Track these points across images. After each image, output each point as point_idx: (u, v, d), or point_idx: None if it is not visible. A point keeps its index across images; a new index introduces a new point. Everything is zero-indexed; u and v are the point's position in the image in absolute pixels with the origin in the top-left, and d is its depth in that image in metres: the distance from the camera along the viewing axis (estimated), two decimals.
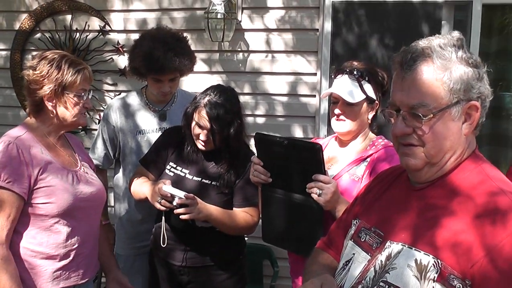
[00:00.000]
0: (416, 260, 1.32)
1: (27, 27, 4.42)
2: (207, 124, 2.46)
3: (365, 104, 2.28)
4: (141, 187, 2.63)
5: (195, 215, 2.39)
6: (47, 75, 2.20)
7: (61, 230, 2.23)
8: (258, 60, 4.08)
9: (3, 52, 4.53)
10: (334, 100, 2.31)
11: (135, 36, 4.03)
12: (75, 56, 4.02)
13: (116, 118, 3.05)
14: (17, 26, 4.45)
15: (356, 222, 1.62)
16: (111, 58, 4.32)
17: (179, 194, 2.37)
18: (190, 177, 2.59)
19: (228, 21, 3.87)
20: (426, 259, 1.30)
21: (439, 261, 1.28)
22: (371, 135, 2.37)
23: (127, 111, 3.07)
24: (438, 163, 1.40)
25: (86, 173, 2.41)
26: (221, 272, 2.64)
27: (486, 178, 1.36)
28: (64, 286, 2.26)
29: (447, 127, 1.36)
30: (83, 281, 2.34)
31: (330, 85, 2.31)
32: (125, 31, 4.29)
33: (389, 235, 1.44)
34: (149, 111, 3.07)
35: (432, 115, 1.34)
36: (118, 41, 4.29)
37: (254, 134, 2.26)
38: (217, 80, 4.08)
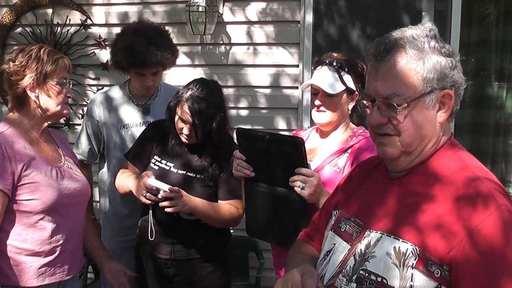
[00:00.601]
0: (395, 248, 1.33)
1: (8, 21, 4.40)
2: (189, 118, 2.47)
3: (345, 95, 2.29)
4: (126, 181, 2.64)
5: (180, 208, 2.40)
6: (27, 65, 2.21)
7: (45, 227, 2.22)
8: (240, 52, 4.09)
9: None
10: (314, 92, 2.32)
11: (117, 29, 4.01)
12: (57, 49, 4.02)
13: (100, 112, 3.05)
14: None
15: (336, 212, 1.63)
16: (93, 52, 4.31)
17: (164, 187, 2.37)
18: (175, 170, 2.60)
19: (209, 14, 3.88)
20: (405, 246, 1.32)
21: (417, 248, 1.30)
22: (352, 125, 2.38)
23: (111, 105, 3.06)
24: (414, 152, 1.42)
25: (70, 168, 2.40)
26: (207, 265, 2.66)
27: (463, 165, 1.39)
28: (49, 282, 2.26)
29: (421, 115, 1.38)
30: (68, 277, 2.34)
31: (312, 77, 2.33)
32: (107, 25, 4.27)
33: (368, 224, 1.46)
34: (133, 105, 3.07)
35: (406, 104, 1.36)
36: (99, 35, 4.28)
37: (236, 128, 2.27)
38: (199, 73, 4.08)
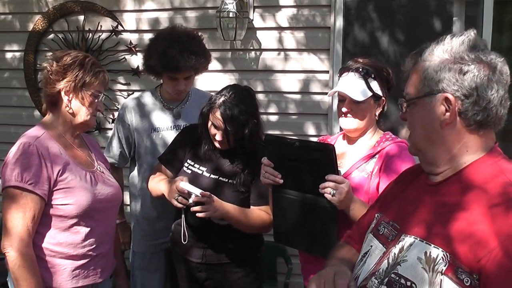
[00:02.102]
0: (426, 253, 1.33)
1: (40, 28, 4.46)
2: (221, 124, 2.47)
3: (372, 101, 2.29)
4: (159, 185, 2.65)
5: (211, 214, 2.40)
6: (69, 69, 2.24)
7: (79, 231, 2.26)
8: (270, 58, 4.09)
9: (17, 53, 4.57)
10: (341, 98, 2.32)
11: (148, 35, 4.07)
12: None
13: (131, 117, 3.07)
14: (30, 27, 4.49)
15: (378, 216, 1.65)
16: (124, 58, 4.35)
17: (195, 191, 2.37)
18: (207, 174, 2.61)
19: (240, 19, 3.89)
20: (436, 252, 1.31)
21: (448, 254, 1.29)
22: (379, 131, 2.38)
23: (142, 110, 3.09)
24: (422, 151, 1.47)
25: (103, 172, 2.43)
26: (239, 270, 2.65)
27: (500, 172, 1.36)
28: (83, 284, 2.29)
29: (421, 115, 1.42)
30: (101, 280, 2.37)
31: None
32: (138, 31, 4.31)
33: (404, 228, 1.46)
34: (164, 110, 3.09)
35: (409, 102, 1.44)
36: (130, 41, 4.31)
37: (265, 135, 2.27)
38: (229, 78, 4.09)
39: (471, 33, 1.41)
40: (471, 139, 1.40)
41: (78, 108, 2.29)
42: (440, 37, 1.43)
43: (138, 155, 3.11)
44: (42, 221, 2.19)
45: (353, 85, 2.27)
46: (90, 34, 4.39)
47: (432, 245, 1.33)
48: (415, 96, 1.43)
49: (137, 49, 4.29)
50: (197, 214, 2.39)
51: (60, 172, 2.20)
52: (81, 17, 4.40)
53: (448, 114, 1.38)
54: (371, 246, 1.57)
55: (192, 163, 2.65)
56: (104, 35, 4.36)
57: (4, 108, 4.62)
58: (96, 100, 2.31)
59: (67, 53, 2.30)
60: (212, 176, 2.60)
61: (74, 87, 2.25)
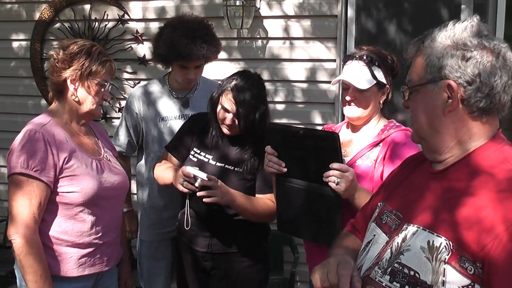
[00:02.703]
0: (428, 242, 1.32)
1: (47, 17, 4.46)
2: (233, 107, 2.46)
3: (375, 89, 2.28)
4: (165, 172, 2.65)
5: (218, 199, 2.38)
6: (75, 57, 2.23)
7: (85, 219, 2.25)
8: (277, 47, 4.08)
9: (23, 42, 4.57)
10: (345, 87, 2.32)
11: (154, 24, 4.07)
12: None
13: (139, 106, 3.06)
14: (36, 16, 4.50)
15: (381, 205, 1.64)
16: (130, 46, 4.35)
17: (202, 175, 2.35)
18: (213, 162, 2.59)
19: (246, 8, 3.88)
20: (439, 240, 1.31)
21: (451, 242, 1.28)
22: (383, 119, 2.37)
23: (149, 99, 3.08)
24: (425, 139, 1.46)
25: (109, 160, 2.43)
26: (245, 259, 2.65)
27: (504, 158, 1.35)
28: (89, 273, 2.29)
29: (424, 102, 1.41)
30: (107, 268, 2.37)
31: None
32: (144, 19, 4.30)
33: (407, 217, 1.45)
34: (172, 98, 3.08)
35: (411, 89, 1.43)
36: (137, 30, 4.31)
37: (268, 124, 2.26)
38: (236, 67, 4.08)
39: (474, 19, 1.39)
40: (474, 126, 1.39)
41: (84, 97, 2.28)
42: (443, 23, 1.41)
43: (145, 144, 3.11)
44: (49, 208, 2.19)
45: (357, 73, 2.26)
46: (97, 23, 4.39)
47: (435, 234, 1.32)
48: (418, 83, 1.42)
49: (143, 38, 4.29)
50: (203, 200, 2.38)
51: (66, 159, 2.20)
52: (88, 6, 4.40)
53: (450, 101, 1.36)
54: (374, 235, 1.57)
55: (198, 151, 2.64)
56: (110, 24, 4.36)
57: (11, 97, 4.63)
58: (102, 89, 2.30)
59: (74, 42, 2.29)
60: (218, 164, 2.59)
61: (81, 75, 2.23)
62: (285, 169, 2.22)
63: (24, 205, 2.12)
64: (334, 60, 4.00)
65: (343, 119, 3.90)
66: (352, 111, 2.30)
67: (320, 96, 4.04)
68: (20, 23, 4.57)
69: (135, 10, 4.31)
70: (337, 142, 2.04)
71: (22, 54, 4.58)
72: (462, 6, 3.97)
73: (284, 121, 4.05)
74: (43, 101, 4.47)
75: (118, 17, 4.33)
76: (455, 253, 1.27)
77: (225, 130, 2.55)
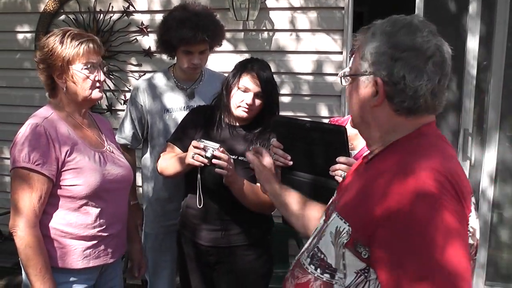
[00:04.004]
0: (337, 227, 1.39)
1: (51, 9, 4.45)
2: (257, 82, 2.47)
3: None
4: (170, 161, 2.62)
5: (230, 172, 2.36)
6: (51, 52, 2.18)
7: (89, 211, 2.24)
8: (283, 39, 4.06)
9: (28, 34, 4.57)
10: None
11: (159, 16, 4.03)
12: (99, 36, 4.05)
13: (144, 98, 3.06)
14: (41, 8, 4.49)
15: (334, 196, 1.70)
16: (135, 39, 4.34)
17: (214, 145, 2.33)
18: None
19: (252, 0, 3.85)
20: (343, 226, 1.37)
21: (350, 228, 1.35)
22: None
23: (154, 91, 3.07)
24: (359, 128, 1.52)
25: (113, 152, 2.41)
26: (249, 253, 2.64)
27: (409, 150, 1.37)
28: (94, 265, 2.29)
29: (356, 93, 1.45)
30: (112, 260, 2.37)
31: None
32: (149, 11, 4.29)
33: (336, 205, 1.52)
34: (177, 90, 3.07)
35: (348, 77, 1.48)
36: (142, 22, 4.30)
37: (273, 117, 2.26)
38: (241, 59, 4.01)
39: (415, 19, 1.40)
40: (398, 121, 1.41)
41: (74, 88, 2.23)
42: (389, 17, 1.43)
43: (150, 136, 3.10)
44: (52, 201, 2.19)
45: None
46: (102, 15, 4.37)
47: (343, 220, 1.39)
48: (353, 73, 1.45)
49: (148, 30, 4.28)
50: (215, 170, 2.35)
51: (68, 152, 2.19)
52: None
53: (376, 98, 1.39)
54: (320, 223, 1.62)
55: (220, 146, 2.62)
56: (115, 16, 4.35)
57: (16, 89, 4.64)
58: (89, 73, 2.23)
59: (48, 37, 2.23)
60: None
61: (61, 68, 2.19)
62: (291, 162, 2.20)
63: (25, 199, 2.12)
64: (340, 53, 3.98)
65: (349, 112, 3.89)
66: None
67: (326, 89, 4.02)
68: (25, 15, 4.56)
69: (140, 2, 4.29)
70: (344, 135, 2.02)
71: (27, 46, 4.57)
72: None
73: (290, 113, 4.03)
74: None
75: (123, 9, 4.31)
76: (352, 238, 1.33)
77: (242, 114, 2.53)
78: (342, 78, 1.51)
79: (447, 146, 1.43)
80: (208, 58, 3.01)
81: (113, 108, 4.46)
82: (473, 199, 1.38)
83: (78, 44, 2.19)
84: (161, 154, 2.75)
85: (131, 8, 4.31)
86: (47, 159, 2.13)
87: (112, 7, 4.34)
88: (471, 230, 1.34)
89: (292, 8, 4.02)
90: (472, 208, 1.35)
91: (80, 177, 2.19)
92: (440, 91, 1.39)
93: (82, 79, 2.22)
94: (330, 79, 4.01)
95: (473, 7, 3.88)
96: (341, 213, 1.41)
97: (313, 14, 3.98)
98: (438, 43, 1.37)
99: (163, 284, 3.21)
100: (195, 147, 2.37)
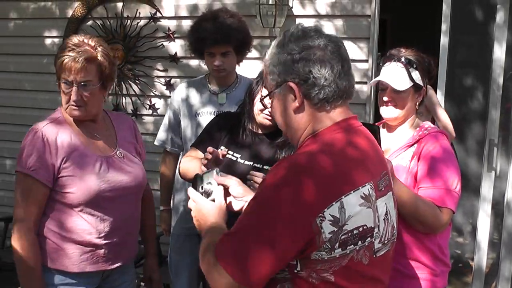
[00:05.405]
0: None
1: (79, 14, 4.52)
2: None
3: (412, 91, 2.31)
4: (189, 163, 2.59)
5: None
6: (56, 55, 2.20)
7: (86, 218, 2.21)
8: None
9: (56, 40, 4.64)
10: (382, 87, 2.35)
11: (186, 22, 4.10)
12: (126, 42, 4.09)
13: (179, 102, 3.12)
14: (69, 13, 4.56)
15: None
16: (162, 44, 4.37)
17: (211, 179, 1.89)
18: (241, 161, 2.54)
19: (279, 7, 3.87)
20: None
21: None
22: (418, 120, 2.40)
23: (189, 95, 3.13)
24: (288, 137, 1.63)
25: (123, 157, 2.35)
26: None
27: (327, 143, 1.49)
28: (91, 270, 2.26)
29: (278, 105, 1.57)
30: (112, 267, 2.32)
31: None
32: (176, 17, 4.33)
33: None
34: (209, 95, 3.10)
35: (268, 96, 1.60)
36: (168, 28, 4.33)
37: None
38: None
39: (299, 26, 1.56)
40: (320, 115, 1.52)
41: (61, 98, 2.22)
42: (279, 34, 1.57)
43: (184, 140, 3.14)
44: (51, 205, 2.19)
45: (395, 75, 2.29)
46: (129, 21, 4.42)
47: None
48: (270, 90, 1.57)
49: (175, 35, 4.31)
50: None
51: (65, 159, 2.16)
52: (120, 4, 4.44)
53: (296, 101, 1.51)
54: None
55: (226, 150, 2.61)
56: (142, 22, 4.40)
57: (43, 93, 4.69)
58: (66, 88, 2.16)
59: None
60: (247, 162, 2.53)
61: (57, 79, 2.20)
62: None
63: (22, 203, 2.15)
64: (366, 61, 3.97)
65: (374, 120, 3.88)
66: (389, 111, 2.33)
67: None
68: (53, 20, 4.63)
69: (167, 7, 4.33)
70: (377, 133, 2.04)
71: (54, 51, 4.56)
72: (498, 6, 3.91)
73: None
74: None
75: (150, 15, 4.36)
76: None
77: (264, 121, 2.51)
78: (262, 102, 1.68)
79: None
80: (235, 62, 3.03)
81: (138, 113, 4.50)
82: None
83: (59, 57, 2.14)
84: (183, 158, 2.76)
85: (158, 14, 4.35)
86: (43, 165, 2.13)
87: (139, 13, 4.39)
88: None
89: (318, 16, 4.03)
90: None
91: (74, 184, 2.17)
92: (347, 74, 1.51)
93: (63, 93, 2.19)
94: (355, 87, 3.96)
95: (500, 16, 3.86)
96: None
97: (339, 22, 3.99)
98: (327, 37, 1.53)
99: (182, 285, 3.22)
100: (210, 153, 2.33)
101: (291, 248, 1.36)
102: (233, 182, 1.80)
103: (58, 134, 2.19)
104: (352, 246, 1.41)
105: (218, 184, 1.74)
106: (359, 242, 1.42)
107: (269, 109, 2.44)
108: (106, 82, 2.25)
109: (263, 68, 1.60)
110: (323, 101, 1.50)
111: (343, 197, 1.39)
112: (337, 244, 1.38)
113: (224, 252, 1.41)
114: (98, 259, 2.25)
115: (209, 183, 1.74)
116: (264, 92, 2.08)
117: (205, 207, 1.68)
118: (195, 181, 1.74)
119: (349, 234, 1.40)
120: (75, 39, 2.18)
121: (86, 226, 2.21)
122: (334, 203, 1.37)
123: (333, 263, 1.39)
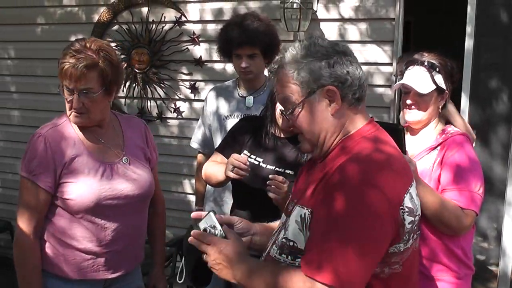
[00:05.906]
0: (300, 215, 1.53)
1: (105, 19, 4.58)
2: None
3: (435, 94, 2.32)
4: (213, 168, 2.62)
5: (282, 195, 2.28)
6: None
7: (87, 226, 2.18)
8: None
9: None
10: (406, 91, 2.37)
11: (211, 26, 4.13)
12: (151, 46, 4.12)
13: (211, 105, 3.17)
14: (95, 18, 4.62)
15: (290, 198, 1.82)
16: (187, 48, 4.41)
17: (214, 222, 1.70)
18: (264, 165, 2.55)
19: (304, 11, 3.88)
20: (304, 211, 1.52)
21: (310, 209, 1.50)
22: (441, 124, 2.41)
23: (219, 98, 3.17)
24: (318, 144, 1.60)
25: (129, 164, 2.29)
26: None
27: (351, 146, 1.54)
28: (91, 278, 2.23)
29: (311, 113, 1.57)
30: (114, 275, 2.27)
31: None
32: (201, 21, 4.36)
33: (297, 201, 1.63)
34: (238, 98, 3.13)
35: (294, 108, 1.58)
36: (193, 32, 4.37)
37: None
38: None
39: (312, 37, 1.62)
40: (355, 116, 1.58)
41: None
42: (291, 45, 1.61)
43: (214, 141, 3.16)
44: (53, 209, 2.18)
45: (418, 78, 2.31)
46: (154, 25, 4.47)
47: (305, 208, 1.52)
48: (301, 100, 1.57)
49: (200, 39, 4.35)
50: (269, 194, 2.31)
51: (67, 165, 2.14)
52: (145, 9, 4.49)
53: (334, 103, 1.54)
54: (282, 222, 1.72)
55: (249, 154, 2.60)
56: (167, 26, 4.44)
57: None
58: (68, 94, 2.12)
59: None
60: (269, 166, 2.54)
61: (60, 85, 2.16)
62: None
63: (22, 207, 2.15)
64: (390, 64, 3.97)
65: (401, 123, 3.88)
66: (412, 114, 2.36)
67: (375, 100, 4.01)
68: (79, 25, 4.69)
69: (192, 11, 4.37)
70: (402, 134, 2.07)
71: None
72: None
73: None
74: None
75: (175, 19, 4.40)
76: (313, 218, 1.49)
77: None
78: (288, 115, 1.62)
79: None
80: (263, 65, 3.04)
81: (163, 116, 4.53)
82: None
83: (63, 63, 2.07)
84: (206, 162, 2.78)
85: (183, 18, 4.39)
86: (44, 171, 2.12)
87: (165, 17, 4.43)
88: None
89: (342, 19, 4.03)
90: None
91: (75, 191, 2.14)
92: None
93: (66, 99, 2.15)
94: (379, 90, 4.01)
95: None
96: (303, 203, 1.55)
97: (363, 25, 3.99)
98: (342, 44, 1.61)
99: None
100: (236, 159, 2.37)
101: (387, 245, 1.42)
102: (236, 219, 1.83)
103: (61, 139, 2.17)
104: (415, 235, 1.52)
105: (222, 224, 1.64)
106: (418, 230, 1.55)
107: (287, 122, 2.42)
108: (110, 87, 2.16)
109: (282, 82, 1.60)
110: (357, 101, 1.57)
111: (410, 188, 1.48)
112: (412, 234, 1.48)
113: (323, 268, 1.36)
114: (99, 267, 2.22)
115: (212, 226, 1.62)
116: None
117: (227, 247, 1.56)
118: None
119: (417, 222, 1.51)
120: (77, 44, 2.10)
121: (87, 233, 2.18)
122: (406, 194, 1.45)
123: (405, 253, 1.48)
